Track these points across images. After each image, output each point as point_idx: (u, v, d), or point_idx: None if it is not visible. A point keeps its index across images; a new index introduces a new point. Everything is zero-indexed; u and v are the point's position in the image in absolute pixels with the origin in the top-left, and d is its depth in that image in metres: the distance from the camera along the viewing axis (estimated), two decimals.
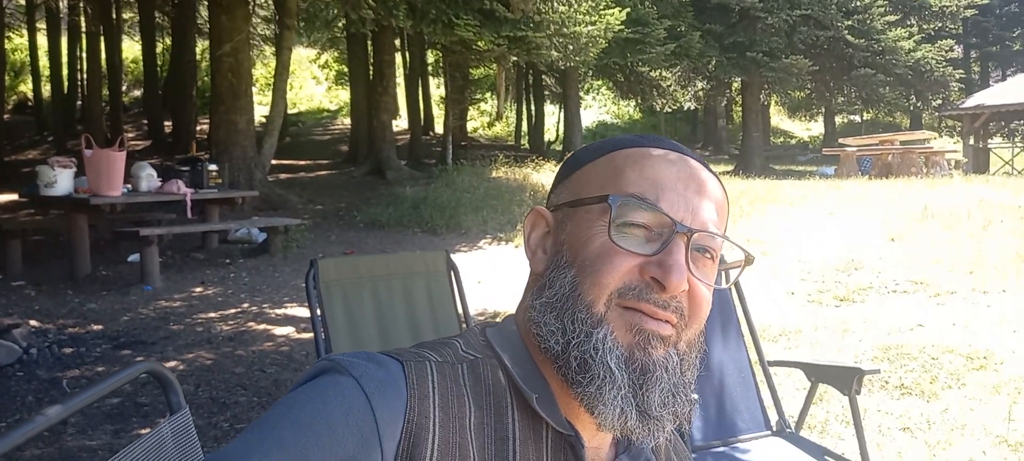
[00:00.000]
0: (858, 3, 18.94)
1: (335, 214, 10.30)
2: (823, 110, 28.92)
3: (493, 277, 6.82)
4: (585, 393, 0.66)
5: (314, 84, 31.73)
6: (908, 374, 4.25)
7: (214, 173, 8.36)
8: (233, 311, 5.69)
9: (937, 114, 24.54)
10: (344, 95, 26.48)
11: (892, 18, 19.85)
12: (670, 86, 21.82)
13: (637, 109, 29.78)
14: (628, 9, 13.62)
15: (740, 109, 24.67)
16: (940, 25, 22.09)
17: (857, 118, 33.35)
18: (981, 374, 4.18)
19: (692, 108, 27.75)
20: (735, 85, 23.49)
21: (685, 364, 0.69)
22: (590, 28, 11.16)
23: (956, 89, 21.75)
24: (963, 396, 3.93)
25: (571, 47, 11.17)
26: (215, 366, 4.43)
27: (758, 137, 21.37)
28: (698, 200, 0.69)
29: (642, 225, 0.68)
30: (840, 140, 18.51)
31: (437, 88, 26.47)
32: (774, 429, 2.69)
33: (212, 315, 5.55)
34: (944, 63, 20.23)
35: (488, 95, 29.07)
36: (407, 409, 0.63)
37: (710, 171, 0.74)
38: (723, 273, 2.56)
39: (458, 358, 0.70)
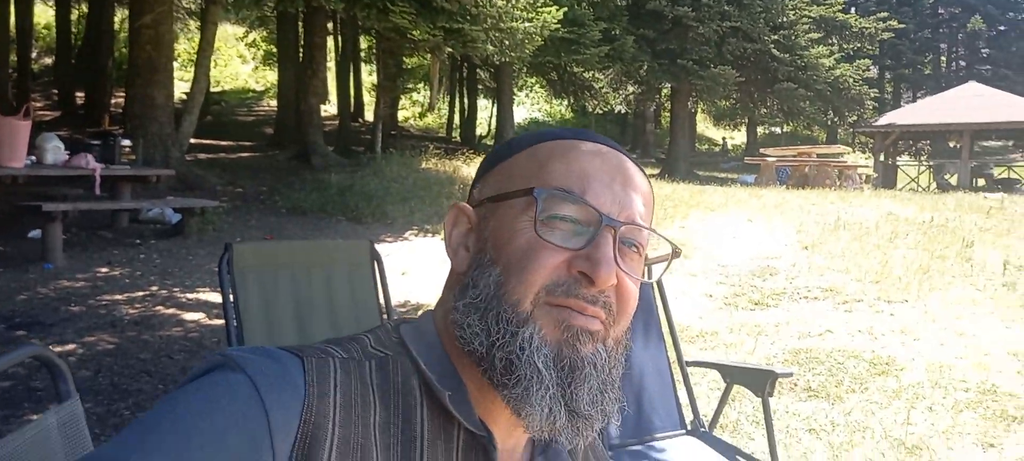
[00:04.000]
0: (785, 19, 19.65)
1: (256, 198, 9.99)
2: (747, 120, 29.90)
3: (418, 269, 6.75)
4: (511, 395, 0.63)
5: (240, 63, 30.72)
6: (815, 377, 4.42)
7: (127, 149, 7.97)
8: (141, 294, 5.42)
9: (852, 130, 25.74)
10: (272, 76, 25.74)
11: (815, 36, 20.69)
12: (602, 88, 22.10)
13: (569, 109, 30.07)
14: (565, 9, 13.70)
15: (668, 115, 25.22)
16: (859, 45, 23.16)
17: (778, 129, 34.61)
18: (883, 379, 4.38)
19: (623, 111, 28.20)
20: (665, 91, 23.99)
21: (613, 360, 0.68)
22: (527, 24, 11.16)
23: (870, 107, 22.84)
24: (866, 400, 4.11)
25: (507, 42, 11.15)
26: (118, 351, 4.21)
27: (684, 143, 21.91)
28: (625, 193, 0.68)
29: (569, 218, 0.65)
30: (761, 150, 19.20)
31: (369, 75, 26.04)
32: (689, 428, 2.74)
33: (118, 297, 5.28)
34: (861, 82, 21.21)
35: (421, 85, 28.79)
36: (304, 408, 0.59)
37: (636, 165, 0.72)
38: (647, 268, 2.59)
39: (366, 355, 0.67)
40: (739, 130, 34.36)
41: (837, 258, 7.18)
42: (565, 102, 27.30)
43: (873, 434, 3.66)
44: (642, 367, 2.76)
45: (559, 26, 12.89)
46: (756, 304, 6.05)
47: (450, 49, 11.27)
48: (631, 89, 23.35)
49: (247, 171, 12.39)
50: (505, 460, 0.71)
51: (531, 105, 31.73)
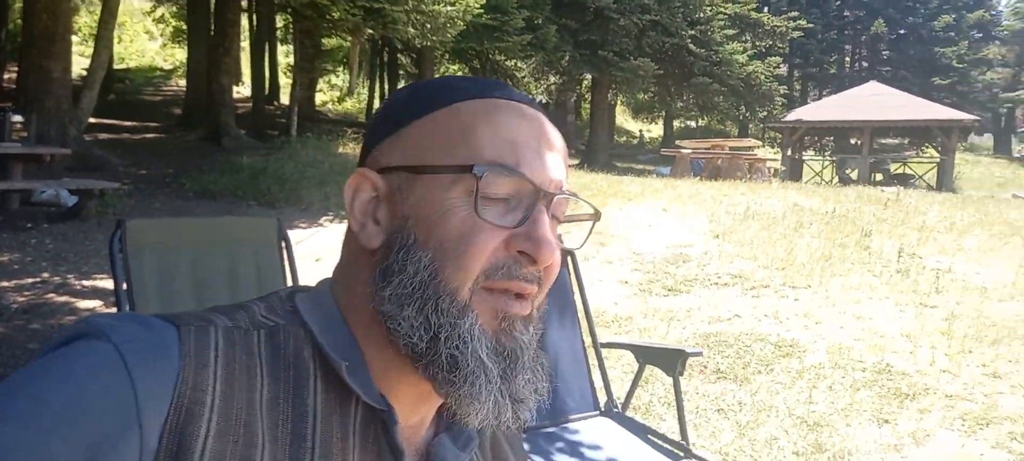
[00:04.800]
0: (702, 15, 20.19)
1: (161, 180, 9.53)
2: (664, 113, 30.64)
3: (333, 255, 6.57)
4: (458, 394, 0.58)
5: (148, 39, 29.27)
6: (724, 360, 4.55)
7: (19, 124, 7.44)
8: (30, 281, 5.08)
9: (762, 125, 26.74)
10: (181, 55, 24.63)
11: (730, 32, 21.36)
12: (524, 77, 22.21)
13: None
14: None
15: (589, 106, 25.57)
16: (771, 43, 24.05)
17: (693, 123, 35.65)
18: (787, 361, 4.55)
19: (544, 101, 28.42)
20: (586, 82, 24.31)
21: (537, 333, 0.64)
22: (449, 9, 11.03)
23: (780, 104, 23.78)
24: (771, 380, 4.27)
25: (429, 26, 11.00)
26: (4, 340, 3.93)
27: (604, 134, 22.26)
28: (551, 158, 0.63)
29: (503, 194, 0.60)
30: (677, 142, 19.70)
31: (286, 56, 25.28)
32: (603, 410, 2.76)
33: (5, 284, 4.93)
34: (771, 79, 22.06)
35: (341, 69, 28.14)
36: (178, 380, 0.53)
37: (548, 119, 0.67)
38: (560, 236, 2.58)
39: (254, 324, 0.60)
40: (657, 123, 35.20)
41: (746, 246, 7.42)
42: None
43: (777, 413, 3.80)
44: (557, 350, 2.76)
45: (482, 12, 12.83)
46: (669, 290, 6.19)
47: (370, 30, 11.03)
48: (553, 79, 23.56)
49: (152, 153, 11.81)
50: (410, 435, 0.66)
51: None
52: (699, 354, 2.64)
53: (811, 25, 28.42)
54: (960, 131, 22.91)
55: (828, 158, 25.45)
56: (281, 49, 24.88)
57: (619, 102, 32.36)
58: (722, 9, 20.68)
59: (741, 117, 26.03)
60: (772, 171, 18.27)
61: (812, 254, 6.94)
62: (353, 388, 0.60)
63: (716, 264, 6.95)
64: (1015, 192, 21.10)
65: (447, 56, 20.68)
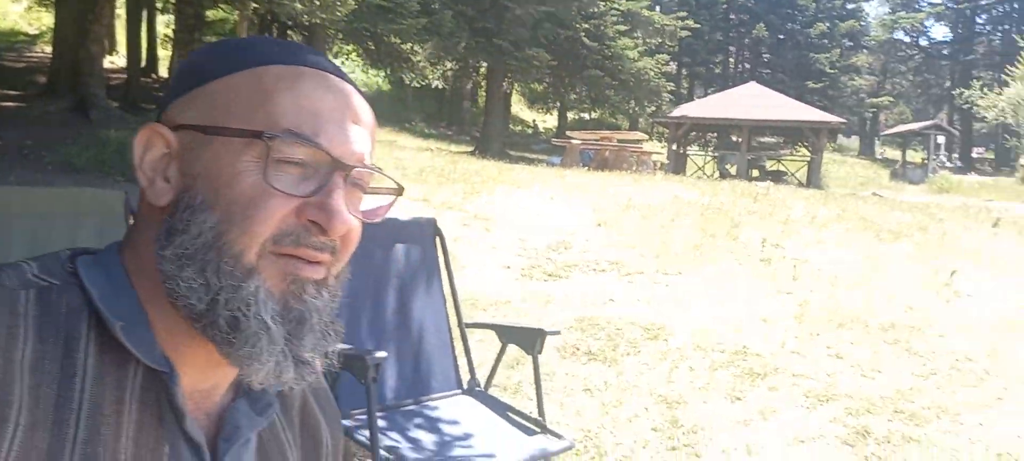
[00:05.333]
0: (595, 9, 20.64)
1: (18, 151, 8.83)
2: (559, 104, 31.15)
3: None
4: (237, 355, 0.59)
5: (11, 2, 26.93)
6: (595, 342, 4.71)
7: None
8: None
9: (651, 120, 27.67)
10: (49, 19, 22.81)
11: (622, 28, 21.95)
12: (420, 62, 21.97)
13: (386, 80, 29.60)
14: None
15: (485, 94, 25.65)
16: (660, 41, 24.90)
17: (586, 115, 36.41)
18: (654, 343, 4.76)
19: (440, 87, 28.24)
20: (482, 70, 24.35)
21: (334, 298, 0.65)
22: None
23: (667, 100, 24.69)
24: (638, 362, 4.45)
25: (317, 1, 10.70)
26: None
27: (498, 122, 22.40)
28: (356, 131, 0.64)
29: (298, 162, 0.60)
30: (567, 132, 20.08)
31: (166, 27, 23.88)
32: (465, 388, 2.80)
33: None
34: (660, 76, 22.85)
35: None
36: None
37: (359, 92, 0.68)
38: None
39: (23, 283, 0.59)
40: (552, 114, 35.72)
41: (626, 234, 7.68)
42: (382, 73, 26.83)
43: (640, 392, 3.98)
44: (421, 329, 2.77)
45: None
46: (550, 275, 6.33)
47: (254, 3, 10.61)
48: (449, 65, 23.45)
49: (10, 122, 10.91)
50: (201, 400, 0.66)
51: (348, 73, 30.77)
52: (557, 333, 2.73)
53: (698, 26, 29.62)
54: (829, 132, 24.54)
55: (710, 153, 26.65)
56: (161, 19, 23.50)
57: (515, 91, 32.62)
58: (615, 5, 21.22)
59: (631, 111, 26.85)
60: (657, 164, 18.98)
61: (685, 243, 7.27)
62: (131, 349, 0.59)
63: (596, 251, 7.15)
64: (875, 191, 22.83)
65: (340, 36, 20.15)
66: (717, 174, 22.49)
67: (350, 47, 26.31)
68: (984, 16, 47.15)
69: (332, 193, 0.60)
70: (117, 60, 19.50)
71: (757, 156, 24.96)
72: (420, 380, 2.68)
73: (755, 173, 22.94)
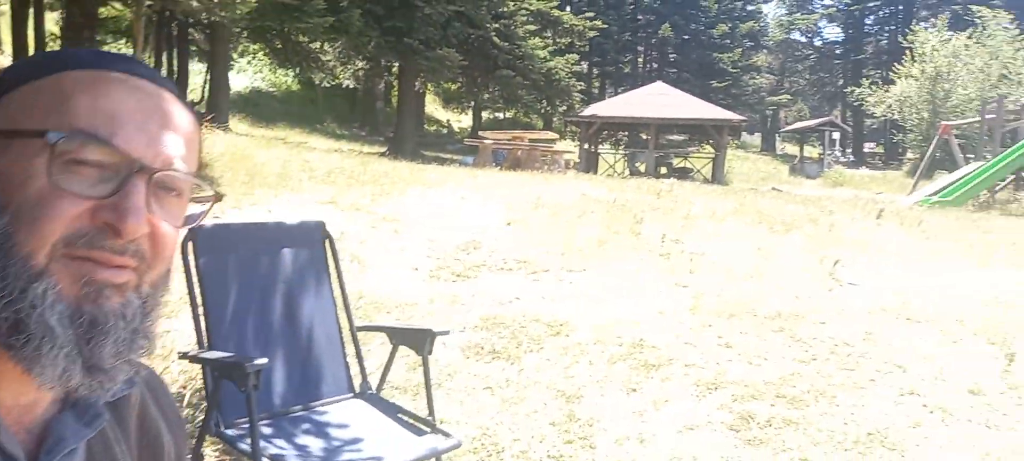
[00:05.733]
0: (505, 9, 20.78)
1: None
2: (473, 104, 31.20)
3: None
4: (21, 355, 0.58)
5: None
6: (500, 341, 4.76)
7: None
8: None
9: (564, 119, 28.09)
10: None
11: (532, 28, 22.18)
12: (330, 61, 21.59)
13: (296, 80, 28.92)
14: None
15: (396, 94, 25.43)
16: (570, 41, 25.29)
17: (501, 115, 36.61)
18: (557, 339, 4.86)
19: (352, 87, 27.82)
20: (394, 70, 24.13)
21: (148, 306, 0.65)
22: None
23: (579, 99, 25.10)
24: (540, 358, 4.53)
25: None
26: None
27: (411, 123, 22.26)
28: (163, 134, 0.64)
29: (94, 163, 0.60)
30: (481, 133, 20.16)
31: (57, 24, 22.58)
32: (357, 391, 2.80)
33: None
34: (570, 75, 23.21)
35: (124, 42, 25.64)
36: None
37: (180, 100, 0.68)
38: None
39: None
40: (467, 113, 35.74)
41: (534, 233, 7.79)
42: (291, 73, 26.19)
43: (540, 387, 4.06)
44: (310, 334, 2.75)
45: None
46: (458, 276, 6.35)
47: (149, 1, 10.18)
48: (360, 64, 23.12)
49: None
50: (22, 415, 0.65)
51: (253, 72, 29.90)
52: (446, 332, 2.76)
53: (607, 26, 30.26)
54: (731, 130, 25.51)
55: (621, 152, 27.27)
56: (50, 17, 22.19)
57: (429, 91, 32.46)
58: (525, 5, 21.43)
59: (543, 111, 27.17)
60: (570, 163, 19.30)
61: (590, 240, 7.44)
62: None
63: (504, 250, 7.23)
64: (774, 186, 23.90)
65: (245, 34, 19.57)
66: (627, 172, 23.05)
67: (256, 46, 25.61)
68: (872, 17, 50.13)
69: (128, 194, 0.60)
70: (3, 59, 18.31)
71: (665, 154, 25.69)
72: (309, 385, 2.66)
73: (663, 170, 23.63)
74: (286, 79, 30.03)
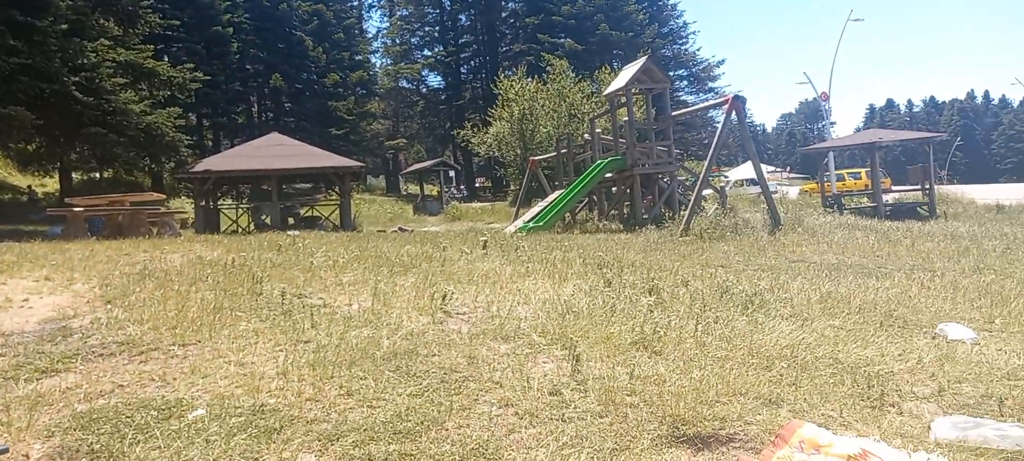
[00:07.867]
0: (86, 61, 18.55)
1: None
2: (58, 165, 27.15)
3: None
4: None
5: None
6: (98, 439, 4.27)
7: None
8: None
9: (174, 176, 25.99)
10: None
11: (123, 80, 20.16)
12: None
13: None
14: None
15: None
16: (170, 93, 23.56)
17: (98, 175, 32.52)
18: (168, 422, 4.51)
19: None
20: None
21: None
22: None
23: (189, 153, 23.50)
24: (149, 448, 4.16)
25: None
26: None
27: None
28: None
29: None
30: (66, 199, 17.67)
31: None
32: None
33: None
34: (176, 129, 21.61)
35: None
36: None
37: None
38: None
39: None
40: (52, 176, 30.92)
41: (138, 309, 7.12)
42: None
43: None
44: None
45: None
46: (43, 372, 5.52)
47: None
48: None
49: None
50: None
51: None
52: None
53: (211, 76, 28.92)
54: (352, 175, 26.26)
55: (244, 205, 26.22)
56: None
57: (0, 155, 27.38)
58: (111, 56, 19.41)
59: (148, 168, 24.85)
60: (188, 222, 17.92)
61: (205, 308, 7.05)
62: None
63: (102, 333, 6.48)
64: (401, 226, 25.20)
65: None
66: (253, 226, 22.23)
67: None
68: (465, 67, 56.12)
69: None
70: None
71: (291, 204, 25.40)
72: None
73: (291, 221, 23.32)
74: None
